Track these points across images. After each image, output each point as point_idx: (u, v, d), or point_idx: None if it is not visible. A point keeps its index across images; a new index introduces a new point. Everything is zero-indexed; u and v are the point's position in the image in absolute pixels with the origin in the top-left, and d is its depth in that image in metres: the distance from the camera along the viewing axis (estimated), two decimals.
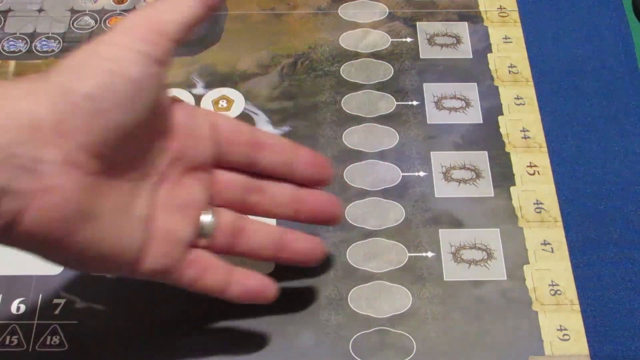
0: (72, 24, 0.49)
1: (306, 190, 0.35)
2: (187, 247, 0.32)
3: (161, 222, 0.31)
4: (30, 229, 0.26)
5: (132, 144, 0.29)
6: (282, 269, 0.38)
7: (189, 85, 0.45)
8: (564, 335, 0.36)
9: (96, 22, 0.49)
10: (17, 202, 0.26)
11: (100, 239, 0.29)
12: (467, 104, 0.45)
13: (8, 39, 0.48)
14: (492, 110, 0.44)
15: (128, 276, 0.32)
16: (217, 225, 0.33)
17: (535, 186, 0.41)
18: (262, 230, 0.34)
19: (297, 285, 0.38)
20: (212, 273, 0.33)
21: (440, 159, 0.42)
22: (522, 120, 0.44)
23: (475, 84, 0.45)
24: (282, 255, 0.34)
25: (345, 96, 0.45)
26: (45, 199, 0.26)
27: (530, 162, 0.42)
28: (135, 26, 0.29)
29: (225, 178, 0.34)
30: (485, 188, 0.41)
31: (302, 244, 0.35)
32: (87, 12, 0.49)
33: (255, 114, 0.44)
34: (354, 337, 0.36)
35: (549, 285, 0.38)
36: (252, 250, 0.34)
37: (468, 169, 0.42)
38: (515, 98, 0.45)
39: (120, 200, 0.30)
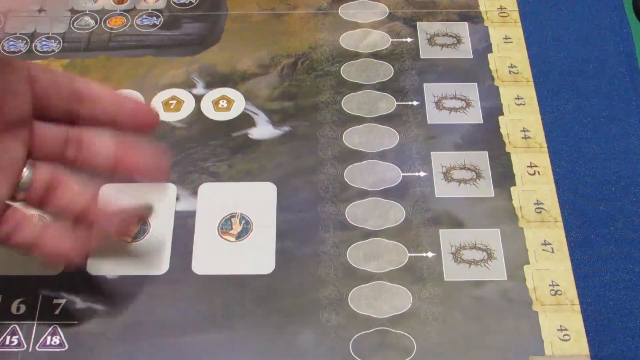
0: (72, 24, 0.49)
1: (129, 142, 0.33)
2: (4, 203, 0.31)
3: None
4: None
5: None
6: (281, 269, 0.38)
7: (189, 85, 0.45)
8: (565, 335, 0.36)
9: (96, 22, 0.49)
10: None
11: None
12: (468, 104, 0.45)
13: (8, 39, 0.48)
14: (493, 110, 0.44)
15: None
16: (33, 180, 0.32)
17: (536, 186, 0.41)
18: (77, 186, 0.33)
19: (297, 285, 0.38)
20: (24, 229, 0.32)
21: (440, 159, 0.42)
22: (523, 120, 0.44)
23: (476, 84, 0.45)
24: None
25: (346, 96, 0.45)
26: None
27: (530, 162, 0.42)
28: None
29: (45, 131, 0.33)
30: (485, 188, 0.41)
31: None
32: (87, 12, 0.49)
33: (256, 114, 0.44)
34: (354, 338, 0.36)
35: (549, 285, 0.38)
36: (67, 204, 0.33)
37: (468, 169, 0.42)
38: (515, 98, 0.45)
39: None
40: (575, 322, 0.36)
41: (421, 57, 0.47)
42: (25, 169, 0.32)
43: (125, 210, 0.35)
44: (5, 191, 0.31)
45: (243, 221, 0.40)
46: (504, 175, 0.42)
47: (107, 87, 0.34)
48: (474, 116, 0.44)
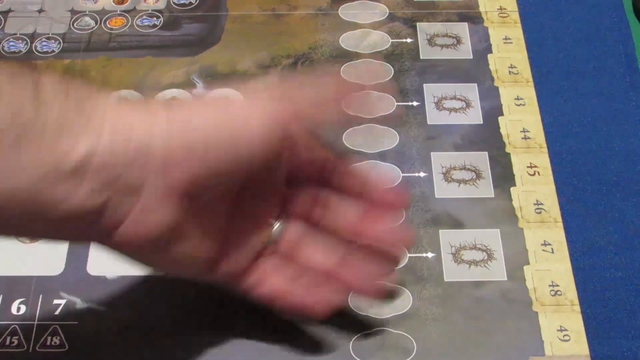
0: (73, 24, 0.49)
1: (374, 215, 0.34)
2: (255, 256, 0.33)
3: (234, 233, 0.32)
4: (122, 240, 0.28)
5: (233, 177, 0.30)
6: None
7: (189, 86, 0.45)
8: (564, 335, 0.36)
9: (96, 23, 0.49)
10: (116, 216, 0.27)
11: (182, 253, 0.30)
12: (468, 105, 0.45)
13: (8, 39, 0.48)
14: (493, 110, 0.44)
15: (198, 279, 0.34)
16: (282, 235, 0.34)
17: (536, 187, 0.41)
18: (327, 243, 0.34)
19: None
20: (271, 281, 0.33)
21: (440, 159, 0.42)
22: (522, 120, 0.44)
23: (476, 84, 0.45)
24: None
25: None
26: (139, 218, 0.28)
27: (530, 163, 0.42)
28: (275, 99, 0.30)
29: (296, 191, 0.34)
30: (485, 188, 0.41)
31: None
32: (87, 12, 0.49)
33: None
34: (354, 338, 0.36)
35: (549, 285, 0.38)
36: (313, 262, 0.34)
37: (468, 169, 0.42)
38: (515, 98, 0.45)
39: (205, 220, 0.31)
40: (575, 323, 0.36)
41: (421, 57, 0.47)
42: (276, 224, 0.34)
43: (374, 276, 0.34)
44: (254, 243, 0.33)
45: None
46: (503, 176, 0.42)
47: (359, 164, 0.36)
48: (474, 117, 0.44)
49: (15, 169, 0.25)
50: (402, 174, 0.42)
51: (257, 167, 0.30)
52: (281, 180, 0.34)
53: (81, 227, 0.28)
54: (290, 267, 0.34)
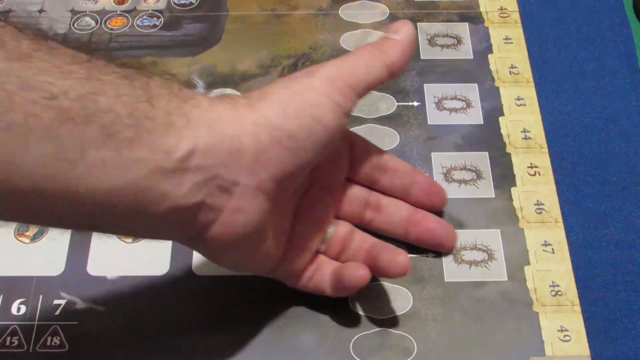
0: (73, 24, 0.49)
1: (421, 214, 0.38)
2: (313, 254, 0.35)
3: (298, 233, 0.34)
4: (211, 239, 0.29)
5: (304, 174, 0.32)
6: None
7: (189, 86, 0.45)
8: (565, 336, 0.36)
9: (97, 23, 0.49)
10: (209, 215, 0.29)
11: (258, 252, 0.32)
12: (468, 105, 0.45)
13: None
14: (493, 111, 0.44)
15: (259, 275, 0.35)
16: (334, 235, 0.36)
17: (536, 187, 0.41)
18: (366, 238, 0.36)
19: None
20: (322, 272, 0.35)
21: (440, 159, 0.42)
22: (523, 121, 0.44)
23: (476, 84, 0.45)
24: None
25: None
26: (232, 217, 0.29)
27: (530, 163, 0.42)
28: (336, 78, 0.31)
29: (350, 192, 0.37)
30: (486, 189, 0.41)
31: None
32: (87, 12, 0.49)
33: None
34: (354, 338, 0.36)
35: (550, 286, 0.38)
36: (356, 254, 0.36)
37: (469, 169, 0.42)
38: (515, 99, 0.45)
39: (279, 220, 0.33)
40: (576, 323, 0.36)
41: (421, 57, 0.47)
42: (330, 225, 0.36)
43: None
44: (315, 243, 0.35)
45: None
46: (504, 176, 0.42)
47: (406, 163, 0.38)
48: (475, 117, 0.44)
49: (130, 163, 0.26)
50: None
51: (331, 148, 0.32)
52: (342, 179, 0.36)
53: (177, 226, 0.29)
54: (343, 256, 0.36)
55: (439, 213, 0.39)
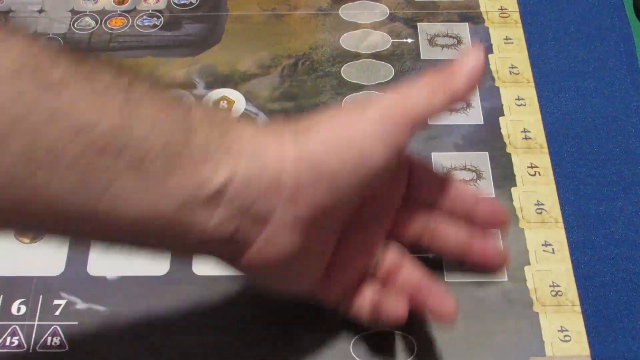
0: (73, 24, 0.49)
1: (478, 240, 0.35)
2: (357, 280, 0.34)
3: (341, 258, 0.33)
4: (247, 263, 0.29)
5: (349, 207, 0.31)
6: None
7: (189, 86, 0.45)
8: (565, 336, 0.36)
9: (97, 23, 0.49)
10: (241, 245, 0.28)
11: (297, 276, 0.32)
12: (468, 105, 0.44)
13: None
14: (493, 111, 0.44)
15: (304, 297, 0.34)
16: (382, 260, 0.34)
17: (536, 187, 0.41)
18: (415, 270, 0.34)
19: None
20: (362, 300, 0.34)
21: (441, 159, 0.42)
22: (523, 121, 0.44)
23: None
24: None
25: (346, 97, 0.45)
26: (263, 248, 0.29)
27: (531, 163, 0.42)
28: (390, 113, 0.29)
29: (407, 216, 0.35)
30: (486, 189, 0.41)
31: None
32: (87, 12, 0.49)
33: (256, 114, 0.44)
34: (354, 338, 0.36)
35: (550, 286, 0.38)
36: (404, 286, 0.34)
37: (469, 169, 0.42)
38: (516, 99, 0.45)
39: (321, 246, 0.32)
40: (576, 323, 0.36)
41: (422, 57, 0.47)
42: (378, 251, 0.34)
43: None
44: (361, 267, 0.33)
45: None
46: (504, 176, 0.41)
47: (468, 186, 0.37)
48: (475, 117, 0.44)
49: (162, 194, 0.26)
50: None
51: (379, 184, 0.31)
52: (395, 205, 0.34)
53: (210, 251, 0.29)
54: (390, 283, 0.34)
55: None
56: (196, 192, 0.26)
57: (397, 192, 0.34)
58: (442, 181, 0.35)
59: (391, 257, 0.34)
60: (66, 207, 0.24)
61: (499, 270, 0.37)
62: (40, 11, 0.50)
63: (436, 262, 0.38)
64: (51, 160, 0.23)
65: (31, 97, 0.23)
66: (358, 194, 0.30)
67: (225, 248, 0.29)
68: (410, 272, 0.34)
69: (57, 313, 0.37)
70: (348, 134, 0.29)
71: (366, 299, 0.33)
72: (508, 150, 0.43)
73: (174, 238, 0.27)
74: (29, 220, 0.25)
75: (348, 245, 0.33)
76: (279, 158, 0.28)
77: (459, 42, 0.48)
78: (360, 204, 0.32)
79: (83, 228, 0.26)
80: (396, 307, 0.32)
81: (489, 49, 0.47)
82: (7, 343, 0.36)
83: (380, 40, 0.48)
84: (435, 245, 0.36)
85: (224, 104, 0.45)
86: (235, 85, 0.46)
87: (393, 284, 0.34)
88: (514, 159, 0.42)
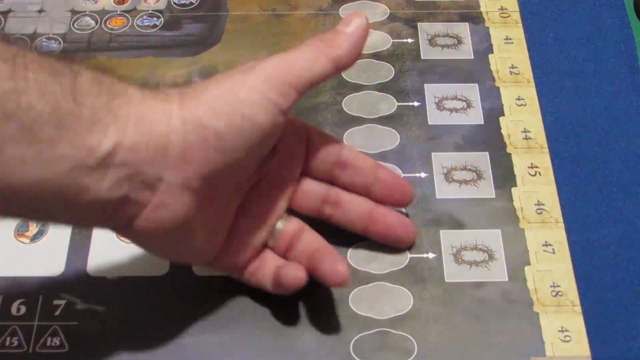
0: (73, 24, 0.49)
1: (381, 210, 0.37)
2: (257, 249, 0.35)
3: (241, 226, 0.34)
4: (137, 231, 0.30)
5: (240, 171, 0.32)
6: None
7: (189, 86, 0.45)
8: (565, 336, 0.36)
9: (97, 23, 0.49)
10: (132, 209, 0.29)
11: (191, 246, 0.32)
12: (468, 105, 0.44)
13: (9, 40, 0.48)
14: (493, 111, 0.44)
15: (200, 266, 0.36)
16: (283, 231, 0.35)
17: (537, 187, 0.41)
18: (313, 239, 0.36)
19: None
20: (265, 269, 0.35)
21: (441, 160, 0.42)
22: (523, 121, 0.44)
23: (477, 84, 0.45)
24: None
25: (346, 97, 0.45)
26: (155, 212, 0.29)
27: (531, 163, 0.42)
28: (273, 75, 0.30)
29: (306, 188, 0.36)
30: (486, 189, 0.41)
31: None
32: (87, 12, 0.49)
33: None
34: (354, 339, 0.36)
35: (550, 286, 0.37)
36: (303, 253, 0.36)
37: (469, 170, 0.42)
38: (516, 99, 0.45)
39: (216, 214, 0.32)
40: (576, 323, 0.36)
41: (422, 57, 0.47)
42: (279, 221, 0.35)
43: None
44: (260, 238, 0.35)
45: None
46: (504, 176, 0.41)
47: (370, 160, 0.37)
48: (475, 117, 0.44)
49: (50, 160, 0.26)
50: (402, 175, 0.42)
51: (266, 147, 0.31)
52: (295, 175, 0.35)
53: (100, 217, 0.29)
54: (290, 254, 0.36)
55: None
56: (85, 157, 0.26)
57: (296, 163, 0.35)
58: (340, 154, 0.36)
59: (292, 228, 0.36)
60: None
61: (405, 241, 0.38)
62: (40, 11, 0.50)
63: (436, 262, 0.38)
64: None
65: None
66: (245, 156, 0.30)
67: (117, 214, 0.29)
68: (308, 241, 0.35)
69: (57, 313, 0.37)
70: (232, 96, 0.29)
71: (268, 269, 0.35)
72: (508, 150, 0.43)
73: (65, 204, 0.27)
74: None
75: (248, 216, 0.34)
76: (165, 122, 0.28)
77: (459, 42, 0.48)
78: (260, 176, 0.34)
79: None
80: (295, 274, 0.33)
81: (489, 49, 0.47)
82: (7, 343, 0.36)
83: (380, 40, 0.48)
84: (337, 216, 0.37)
85: None
86: None
87: (292, 253, 0.35)
88: (514, 159, 0.42)
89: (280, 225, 0.35)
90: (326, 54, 0.31)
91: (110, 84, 0.28)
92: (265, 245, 0.36)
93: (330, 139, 0.36)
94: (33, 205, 0.27)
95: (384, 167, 0.37)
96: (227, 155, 0.29)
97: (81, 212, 0.28)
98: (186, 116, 0.29)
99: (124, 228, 0.30)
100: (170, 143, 0.28)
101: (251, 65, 0.31)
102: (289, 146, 0.35)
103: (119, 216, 0.29)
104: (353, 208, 0.37)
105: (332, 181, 0.36)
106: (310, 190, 0.36)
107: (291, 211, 0.37)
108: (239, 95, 0.29)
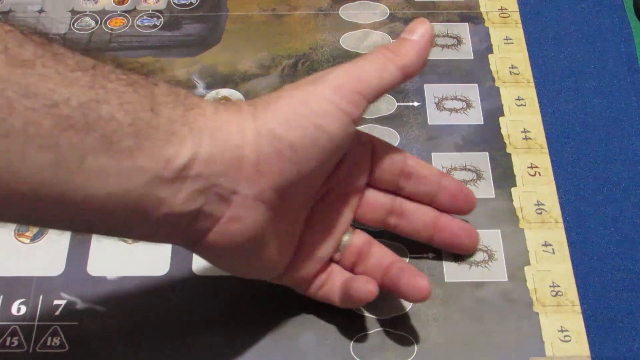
0: (73, 24, 0.49)
1: (445, 218, 0.37)
2: (324, 262, 0.35)
3: (308, 240, 0.34)
4: (209, 245, 0.29)
5: (311, 183, 0.32)
6: None
7: (190, 86, 0.45)
8: (565, 336, 0.36)
9: (97, 23, 0.49)
10: (207, 222, 0.29)
11: (262, 259, 0.32)
12: (468, 105, 0.45)
13: None
14: (493, 111, 0.44)
15: (268, 280, 0.35)
16: (350, 244, 0.35)
17: (536, 187, 0.41)
18: (386, 254, 0.36)
19: None
20: (333, 282, 0.35)
21: (441, 160, 0.42)
22: (523, 121, 0.44)
23: (476, 84, 0.45)
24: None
25: None
26: (228, 225, 0.29)
27: (531, 163, 0.42)
28: (344, 85, 0.30)
29: (371, 199, 0.36)
30: (486, 189, 0.41)
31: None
32: (87, 12, 0.49)
33: None
34: (354, 338, 0.36)
35: (550, 286, 0.38)
36: (373, 269, 0.35)
37: (469, 170, 0.42)
38: (516, 99, 0.45)
39: (286, 227, 0.32)
40: (576, 323, 0.36)
41: None
42: (348, 235, 0.35)
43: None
44: (328, 250, 0.35)
45: None
46: (504, 176, 0.41)
47: (434, 168, 0.37)
48: (475, 117, 0.44)
49: (129, 171, 0.26)
50: None
51: (338, 156, 0.31)
52: (361, 186, 0.35)
53: (174, 231, 0.29)
54: (358, 267, 0.36)
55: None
56: (163, 169, 0.26)
57: (362, 174, 0.35)
58: (405, 164, 0.36)
59: (360, 241, 0.35)
60: (40, 185, 0.24)
61: (470, 248, 0.38)
62: (40, 11, 0.50)
63: (436, 262, 0.38)
64: (25, 137, 0.23)
65: (4, 74, 0.23)
66: (318, 167, 0.30)
67: (190, 228, 0.29)
68: (381, 255, 0.35)
69: (57, 313, 0.37)
70: (304, 107, 0.29)
71: (336, 282, 0.35)
72: (508, 150, 0.43)
73: (141, 217, 0.27)
74: (5, 205, 0.25)
75: (315, 228, 0.34)
76: (240, 133, 0.28)
77: (459, 42, 0.48)
78: (327, 188, 0.34)
79: (57, 210, 0.26)
80: (366, 287, 0.33)
81: (489, 49, 0.47)
82: (7, 343, 0.36)
83: (380, 40, 0.48)
84: (402, 226, 0.37)
85: None
86: (235, 86, 0.46)
87: (361, 267, 0.35)
88: (514, 159, 0.42)
89: (346, 237, 0.35)
90: (394, 62, 0.31)
91: (185, 96, 0.28)
92: (331, 260, 0.35)
93: (395, 149, 0.36)
94: (108, 218, 0.27)
95: (447, 175, 0.37)
96: (300, 167, 0.29)
97: (155, 225, 0.28)
98: (260, 128, 0.28)
99: (196, 242, 0.30)
100: (244, 155, 0.28)
101: (320, 75, 0.31)
102: (354, 157, 0.34)
103: (192, 230, 0.29)
104: (418, 217, 0.36)
105: (396, 191, 0.36)
106: (376, 201, 0.36)
107: (355, 222, 0.36)
108: (311, 105, 0.29)
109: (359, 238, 0.36)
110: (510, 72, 0.46)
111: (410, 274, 0.34)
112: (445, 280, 0.38)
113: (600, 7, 0.49)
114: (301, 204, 0.33)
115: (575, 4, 0.49)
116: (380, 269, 0.35)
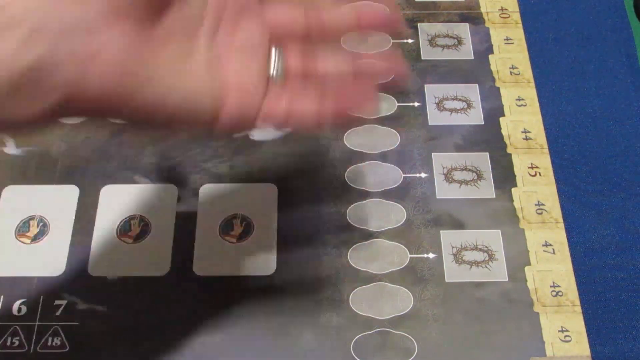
0: None
1: (365, 7, 0.32)
2: (263, 93, 0.30)
3: (229, 65, 0.29)
4: (92, 95, 0.25)
5: None
6: (282, 271, 0.38)
7: None
8: (566, 336, 0.36)
9: None
10: (77, 68, 0.24)
11: (166, 91, 0.27)
12: (469, 105, 0.45)
13: None
14: (494, 111, 0.44)
15: (208, 131, 0.29)
16: (286, 65, 0.31)
17: (537, 187, 0.41)
18: (332, 57, 0.33)
19: (298, 286, 0.38)
20: (279, 104, 0.30)
21: (441, 160, 0.42)
22: (524, 121, 0.44)
23: (477, 85, 0.45)
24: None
25: None
26: (99, 60, 0.25)
27: (531, 163, 0.42)
28: None
29: (280, 12, 0.31)
30: (486, 189, 0.41)
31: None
32: None
33: None
34: (355, 339, 0.36)
35: (550, 286, 0.38)
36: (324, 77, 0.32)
37: (469, 170, 0.42)
38: (516, 99, 0.45)
39: (177, 49, 0.28)
40: (576, 323, 0.36)
41: (422, 58, 0.47)
42: (273, 54, 0.30)
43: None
44: (258, 75, 0.30)
45: (244, 222, 0.40)
46: (505, 177, 0.42)
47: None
48: (475, 117, 0.44)
49: None
50: (403, 175, 0.42)
51: None
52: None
53: (36, 95, 0.24)
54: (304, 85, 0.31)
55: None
56: None
57: None
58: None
59: (294, 60, 0.31)
60: None
61: (395, 29, 0.36)
62: None
63: (436, 262, 0.38)
64: None
65: None
66: None
67: (51, 86, 0.24)
68: (328, 61, 0.32)
69: (58, 313, 0.37)
70: None
71: (281, 104, 0.30)
72: (508, 150, 0.43)
73: None
74: None
75: (227, 53, 0.29)
76: None
77: (460, 42, 0.48)
78: (220, 5, 0.29)
79: None
80: (306, 107, 0.30)
81: (489, 50, 0.47)
82: (8, 343, 0.36)
83: (381, 40, 0.48)
84: (328, 31, 0.33)
85: None
86: None
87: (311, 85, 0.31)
88: (515, 159, 0.42)
89: (278, 59, 0.31)
90: None
91: None
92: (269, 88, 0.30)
93: None
94: None
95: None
96: None
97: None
98: None
99: (73, 100, 0.25)
100: None
101: None
102: None
103: (56, 87, 0.24)
104: (338, 14, 0.33)
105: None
106: (284, 14, 0.31)
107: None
108: None
109: (295, 55, 0.31)
110: (511, 73, 0.46)
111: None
112: (446, 280, 0.38)
113: (600, 7, 0.49)
114: (184, 21, 0.28)
115: (575, 4, 0.49)
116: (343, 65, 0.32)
